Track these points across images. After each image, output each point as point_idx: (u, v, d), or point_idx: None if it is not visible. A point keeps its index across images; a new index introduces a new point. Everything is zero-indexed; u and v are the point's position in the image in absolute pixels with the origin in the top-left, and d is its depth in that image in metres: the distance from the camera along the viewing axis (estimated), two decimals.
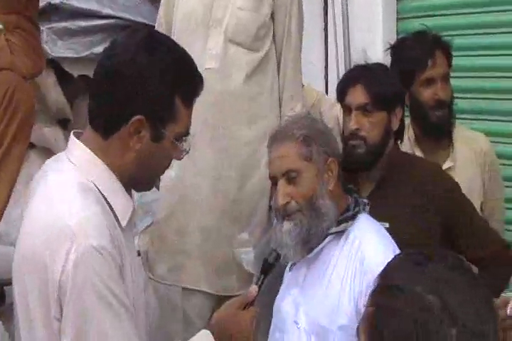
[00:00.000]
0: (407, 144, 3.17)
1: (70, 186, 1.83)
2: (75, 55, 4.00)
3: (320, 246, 2.41)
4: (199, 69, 2.88)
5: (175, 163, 2.92)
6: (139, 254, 3.35)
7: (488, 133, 3.45)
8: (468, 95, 3.94)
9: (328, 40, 4.45)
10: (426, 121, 3.14)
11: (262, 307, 2.18)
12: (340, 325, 2.32)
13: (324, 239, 2.41)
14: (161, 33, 2.17)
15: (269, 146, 2.49)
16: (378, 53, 4.07)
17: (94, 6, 4.03)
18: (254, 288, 2.08)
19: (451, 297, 1.40)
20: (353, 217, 2.44)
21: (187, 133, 1.95)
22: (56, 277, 1.74)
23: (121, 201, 1.89)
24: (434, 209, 2.75)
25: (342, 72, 4.26)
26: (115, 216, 1.86)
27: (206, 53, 3.01)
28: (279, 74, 3.17)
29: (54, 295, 1.75)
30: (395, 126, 2.84)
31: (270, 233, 3.01)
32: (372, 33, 4.28)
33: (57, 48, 3.90)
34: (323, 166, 2.42)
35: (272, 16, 3.11)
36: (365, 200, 2.51)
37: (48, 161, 1.98)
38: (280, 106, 3.18)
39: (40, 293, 1.77)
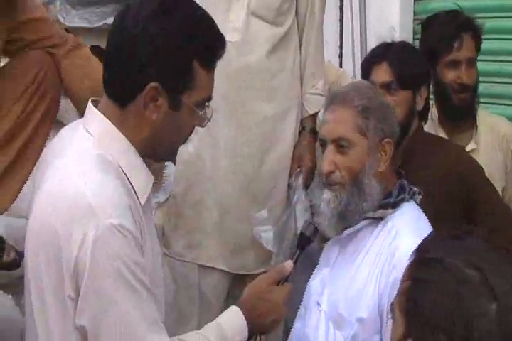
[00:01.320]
0: (431, 124, 3.12)
1: (88, 158, 1.75)
2: (89, 25, 3.95)
3: (354, 228, 2.30)
4: None
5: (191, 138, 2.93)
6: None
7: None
8: (486, 79, 3.88)
9: (344, 18, 4.40)
10: (448, 103, 3.10)
11: (296, 284, 2.11)
12: (359, 317, 2.21)
13: (360, 221, 2.30)
14: None
15: (326, 106, 2.36)
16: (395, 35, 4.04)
17: None
18: (289, 264, 2.00)
19: (490, 271, 1.36)
20: (395, 205, 2.29)
21: (209, 99, 1.86)
22: (72, 255, 1.67)
23: (142, 177, 1.82)
24: (457, 190, 2.71)
25: (357, 51, 4.23)
26: (135, 192, 1.79)
27: (228, 26, 2.94)
28: (300, 51, 3.12)
29: (68, 273, 1.68)
30: (420, 105, 2.80)
31: (290, 210, 2.98)
32: (388, 13, 4.22)
33: (70, 18, 3.85)
34: (377, 144, 2.29)
35: None
36: (416, 189, 2.36)
37: (64, 130, 1.90)
38: (301, 84, 3.12)
39: (54, 270, 1.70)
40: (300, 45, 3.12)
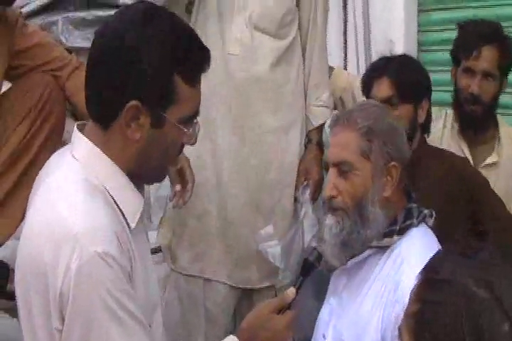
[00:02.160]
0: (450, 134, 3.09)
1: (74, 185, 1.70)
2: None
3: (359, 257, 2.21)
4: (222, 54, 2.90)
5: (192, 150, 2.89)
6: (157, 251, 3.30)
7: None
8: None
9: (348, 31, 4.39)
10: (461, 109, 3.07)
11: (304, 312, 2.05)
12: None
13: (365, 250, 2.20)
14: (159, 6, 1.95)
15: (331, 128, 2.29)
16: (398, 45, 4.02)
17: None
18: (291, 291, 1.90)
19: (502, 290, 1.32)
20: (401, 232, 2.18)
21: (195, 115, 1.78)
22: (57, 285, 1.62)
23: (130, 200, 1.76)
24: (457, 190, 2.69)
25: (361, 63, 4.22)
26: (123, 216, 1.74)
27: (230, 39, 2.94)
28: (304, 63, 3.09)
29: (55, 304, 1.63)
30: (422, 118, 2.79)
31: (297, 225, 2.94)
32: (392, 25, 4.20)
33: (73, 38, 3.83)
34: (381, 168, 2.17)
35: (297, 3, 3.04)
36: (427, 211, 2.23)
37: (52, 157, 1.86)
38: (305, 96, 3.10)
39: (41, 301, 1.65)
40: (303, 57, 3.10)
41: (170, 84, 1.70)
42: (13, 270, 2.74)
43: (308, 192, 3.01)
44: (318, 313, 2.40)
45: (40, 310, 1.66)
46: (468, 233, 2.69)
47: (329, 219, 2.20)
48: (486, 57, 3.01)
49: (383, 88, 2.76)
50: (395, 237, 2.17)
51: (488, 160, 3.08)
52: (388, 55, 2.91)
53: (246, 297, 3.08)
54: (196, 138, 1.82)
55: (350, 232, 2.17)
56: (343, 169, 2.19)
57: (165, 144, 1.76)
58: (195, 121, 1.79)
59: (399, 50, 3.21)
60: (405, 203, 2.24)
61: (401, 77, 2.76)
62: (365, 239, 2.18)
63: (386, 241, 2.17)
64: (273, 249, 2.91)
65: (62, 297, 1.62)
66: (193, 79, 1.75)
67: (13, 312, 2.70)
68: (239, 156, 2.97)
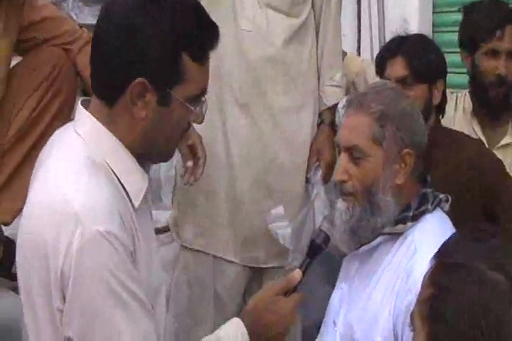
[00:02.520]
0: (463, 115, 3.04)
1: (76, 163, 1.65)
2: None
3: (371, 244, 2.14)
4: (234, 31, 2.86)
5: (203, 128, 2.84)
6: (164, 231, 3.26)
7: None
8: None
9: (362, 11, 4.34)
10: (484, 94, 3.00)
11: (312, 295, 2.00)
12: None
13: (377, 236, 2.13)
14: None
15: (345, 110, 2.20)
16: (413, 26, 3.98)
17: None
18: (297, 272, 1.83)
19: None
20: (415, 218, 2.11)
21: (202, 94, 1.74)
22: (58, 265, 1.58)
23: (135, 179, 1.71)
24: (477, 186, 2.64)
25: (375, 44, 4.17)
26: (127, 195, 1.69)
27: (242, 16, 2.89)
28: (317, 42, 3.04)
29: (56, 284, 1.59)
30: (437, 99, 2.74)
31: (309, 206, 2.91)
32: (407, 6, 4.16)
33: (83, 15, 3.81)
34: (395, 155, 2.09)
35: None
36: (442, 196, 2.16)
37: (55, 133, 1.80)
38: (318, 76, 3.05)
39: (41, 281, 1.62)
40: (317, 37, 3.04)
41: (177, 61, 1.66)
42: None
43: (320, 173, 2.97)
44: (326, 297, 2.36)
45: (40, 290, 1.62)
46: (482, 221, 2.64)
47: (340, 204, 2.15)
48: (510, 38, 2.97)
49: (397, 68, 2.71)
50: (409, 224, 2.11)
51: (503, 142, 3.03)
52: (403, 34, 2.85)
53: (256, 278, 3.05)
54: (203, 117, 1.78)
55: (360, 219, 2.12)
56: (354, 154, 2.12)
57: (171, 123, 1.72)
58: (202, 99, 1.75)
59: (413, 30, 3.13)
60: (420, 189, 2.17)
61: (416, 56, 2.71)
62: (374, 227, 2.12)
63: (399, 227, 2.11)
64: (283, 230, 2.87)
65: (63, 276, 1.58)
66: (202, 57, 1.71)
67: (18, 290, 2.69)
68: (249, 136, 2.93)
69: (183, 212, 3.03)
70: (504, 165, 2.78)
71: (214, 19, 1.77)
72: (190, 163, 2.64)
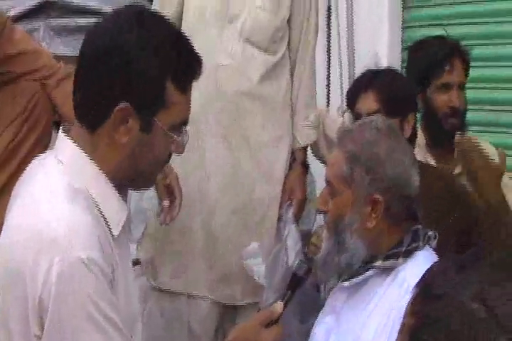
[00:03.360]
0: (418, 151, 3.07)
1: (57, 189, 1.65)
2: (74, 53, 3.86)
3: (360, 278, 2.11)
4: (213, 66, 2.88)
5: (179, 160, 2.83)
6: (135, 264, 3.23)
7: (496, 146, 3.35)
8: (477, 107, 3.86)
9: (331, 48, 4.37)
10: (438, 128, 3.07)
11: (290, 328, 1.97)
12: None
13: (367, 271, 2.11)
14: (151, 10, 1.93)
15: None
16: (383, 62, 4.00)
17: (93, 3, 3.92)
18: (279, 305, 1.83)
19: (498, 303, 1.26)
20: (407, 254, 2.09)
21: (185, 123, 1.74)
22: (36, 292, 1.55)
23: (114, 207, 1.71)
24: (454, 217, 2.64)
25: (345, 81, 4.19)
26: (107, 223, 1.69)
27: (221, 50, 2.92)
28: (292, 80, 3.07)
29: (34, 311, 1.57)
30: (408, 133, 2.75)
31: (281, 244, 2.91)
32: (377, 42, 4.19)
33: (55, 45, 3.78)
34: (363, 199, 2.06)
35: (289, 22, 3.02)
36: (431, 233, 2.15)
37: (34, 161, 1.80)
38: (292, 114, 3.08)
39: (18, 308, 1.59)
40: (292, 75, 3.07)
41: (161, 88, 1.66)
42: None
43: (291, 211, 3.00)
44: (296, 332, 2.35)
45: (17, 317, 1.60)
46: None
47: (324, 233, 2.18)
48: (458, 70, 3.07)
49: (369, 102, 2.73)
50: (400, 260, 2.09)
51: (456, 170, 3.07)
52: (373, 68, 2.87)
53: (229, 314, 3.05)
54: (184, 148, 1.78)
55: (327, 254, 2.14)
56: (330, 189, 2.14)
57: (153, 150, 1.72)
58: (184, 129, 1.75)
59: (384, 64, 3.16)
60: (410, 225, 2.14)
61: (387, 91, 2.73)
62: (336, 265, 2.12)
63: (390, 262, 2.09)
64: (258, 267, 2.88)
65: (42, 303, 1.56)
66: (185, 86, 1.72)
67: None
68: (227, 171, 2.94)
69: (159, 252, 3.01)
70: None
71: None
72: (166, 203, 2.65)
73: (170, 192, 2.64)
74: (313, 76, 3.16)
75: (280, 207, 3.01)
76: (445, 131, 3.04)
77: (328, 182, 2.15)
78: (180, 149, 1.77)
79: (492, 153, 3.14)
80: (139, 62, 1.64)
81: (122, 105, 1.64)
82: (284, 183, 3.03)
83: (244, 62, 2.92)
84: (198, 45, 2.80)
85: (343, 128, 2.27)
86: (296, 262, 2.03)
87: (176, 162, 2.56)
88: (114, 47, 1.64)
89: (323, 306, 2.35)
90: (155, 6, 3.21)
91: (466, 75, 3.11)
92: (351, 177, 2.07)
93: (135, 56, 1.64)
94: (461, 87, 3.08)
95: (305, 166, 3.11)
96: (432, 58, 3.06)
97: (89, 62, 1.68)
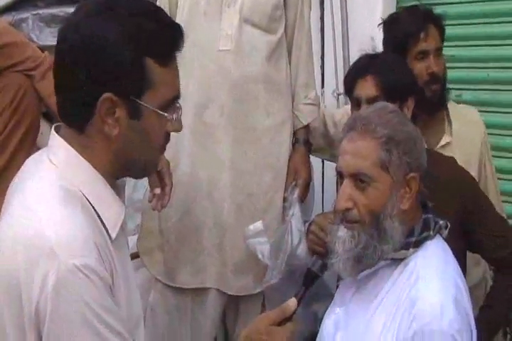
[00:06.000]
0: None
1: (51, 194, 1.59)
2: None
3: (371, 269, 2.09)
4: (213, 51, 2.83)
5: (186, 154, 2.83)
6: (133, 257, 3.21)
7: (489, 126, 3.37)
8: (472, 86, 3.87)
9: (325, 29, 4.32)
10: (421, 96, 2.97)
11: (304, 322, 1.94)
12: None
13: (377, 262, 2.08)
14: None
15: (345, 133, 2.11)
16: (378, 43, 3.96)
17: None
18: (293, 302, 1.79)
19: None
20: (417, 244, 2.07)
21: (176, 98, 1.67)
22: (32, 302, 1.51)
23: (111, 209, 1.66)
24: (452, 209, 2.60)
25: (339, 62, 4.15)
26: (104, 226, 1.63)
27: (220, 34, 2.87)
28: (290, 60, 3.04)
29: (30, 321, 1.53)
30: (408, 117, 2.70)
31: (286, 225, 2.89)
32: (371, 22, 4.13)
33: (43, 36, 3.74)
34: (401, 180, 2.04)
35: (284, 1, 2.98)
36: (442, 222, 2.12)
37: (28, 161, 1.73)
38: (293, 94, 3.04)
39: (14, 319, 1.54)
40: (289, 54, 3.04)
41: (140, 68, 1.59)
42: None
43: (296, 192, 2.97)
44: (313, 323, 2.33)
45: (14, 328, 1.55)
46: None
47: (342, 232, 2.07)
48: (433, 36, 3.05)
49: (368, 88, 2.67)
50: (411, 250, 2.07)
51: (442, 142, 3.07)
52: (371, 52, 2.82)
53: (232, 303, 3.03)
54: (181, 124, 1.71)
55: (366, 247, 2.05)
56: (361, 180, 2.05)
57: (148, 135, 1.65)
58: (177, 105, 1.68)
59: (379, 48, 3.11)
60: (421, 213, 2.13)
61: (386, 76, 2.67)
62: (381, 254, 2.06)
63: (402, 253, 2.07)
64: (262, 246, 2.86)
65: (38, 313, 1.52)
66: (166, 60, 1.64)
67: None
68: (233, 160, 2.91)
69: (174, 252, 2.97)
70: (478, 185, 2.81)
71: (191, 41, 1.72)
72: (158, 190, 2.62)
73: (161, 180, 2.61)
74: (311, 54, 3.12)
75: (285, 189, 2.99)
76: (428, 98, 3.00)
77: (354, 174, 2.06)
78: (177, 127, 1.70)
79: (476, 121, 3.18)
80: (109, 48, 1.57)
81: (104, 96, 1.58)
82: (288, 165, 3.01)
83: (245, 44, 2.89)
84: (197, 35, 2.83)
85: (356, 117, 2.16)
86: (313, 259, 1.96)
87: (183, 158, 2.64)
88: (82, 38, 1.58)
89: (327, 292, 2.33)
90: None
91: (442, 40, 3.10)
92: (389, 160, 2.04)
93: (105, 41, 1.56)
94: (439, 53, 3.06)
95: (308, 145, 3.09)
96: (407, 28, 3.04)
97: (61, 61, 1.62)
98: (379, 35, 3.23)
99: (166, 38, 1.63)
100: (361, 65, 2.77)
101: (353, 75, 2.75)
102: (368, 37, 3.89)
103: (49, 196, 1.59)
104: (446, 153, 2.95)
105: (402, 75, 2.72)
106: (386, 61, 2.75)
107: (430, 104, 3.02)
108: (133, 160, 1.68)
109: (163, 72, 1.62)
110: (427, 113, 3.03)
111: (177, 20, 2.84)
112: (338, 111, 3.47)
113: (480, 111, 3.38)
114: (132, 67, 1.58)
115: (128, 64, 1.58)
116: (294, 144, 3.05)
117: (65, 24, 1.63)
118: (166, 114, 1.64)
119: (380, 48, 3.01)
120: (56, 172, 1.62)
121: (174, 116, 1.67)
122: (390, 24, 3.15)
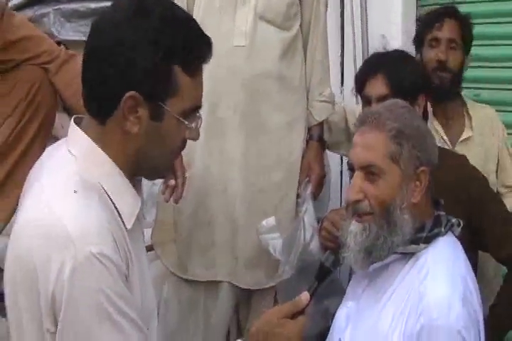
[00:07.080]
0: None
1: (69, 182, 1.62)
2: (83, 38, 3.85)
3: (382, 262, 2.11)
4: (230, 49, 2.86)
5: (199, 150, 2.85)
6: (148, 250, 3.25)
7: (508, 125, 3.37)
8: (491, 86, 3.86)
9: (345, 26, 4.32)
10: (430, 83, 2.99)
11: (316, 317, 1.95)
12: None
13: (390, 255, 2.11)
14: None
15: (356, 128, 2.16)
16: (397, 40, 3.96)
17: None
18: (305, 295, 1.79)
19: None
20: (428, 240, 2.09)
21: (197, 108, 1.71)
22: (48, 289, 1.54)
23: (127, 200, 1.68)
24: (460, 210, 2.60)
25: (359, 60, 4.15)
26: (120, 216, 1.67)
27: (235, 31, 2.89)
28: (305, 57, 3.05)
29: (46, 307, 1.56)
30: (419, 114, 2.71)
31: (298, 221, 2.90)
32: (390, 20, 4.14)
33: (64, 31, 3.78)
34: (411, 173, 2.07)
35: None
36: (454, 220, 2.15)
37: (47, 152, 1.77)
38: (307, 91, 3.06)
39: (31, 305, 1.58)
40: (305, 52, 3.05)
41: (169, 74, 1.63)
42: (1, 269, 2.69)
43: (310, 188, 2.99)
44: (325, 318, 2.34)
45: (30, 314, 1.59)
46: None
47: (354, 226, 2.11)
48: (448, 27, 3.09)
49: (378, 86, 2.67)
50: (422, 245, 2.09)
51: (464, 136, 3.10)
52: (381, 50, 2.83)
53: (244, 296, 3.05)
54: (198, 133, 1.75)
55: (376, 238, 2.07)
56: (371, 172, 2.08)
57: (165, 138, 1.69)
58: (197, 115, 1.72)
59: (396, 46, 3.13)
60: (432, 209, 2.16)
61: (396, 75, 2.67)
62: (391, 246, 2.08)
63: (412, 247, 2.09)
64: (275, 242, 2.87)
65: (55, 300, 1.55)
66: (194, 70, 1.68)
67: (4, 312, 2.65)
68: (245, 156, 2.93)
69: (187, 245, 3.01)
70: (489, 184, 2.80)
71: None
72: (172, 182, 2.65)
73: (174, 173, 2.63)
74: (327, 52, 3.14)
75: (299, 185, 3.01)
76: (435, 85, 3.00)
77: (364, 167, 2.09)
78: (195, 135, 1.74)
79: (493, 116, 3.21)
80: (142, 51, 1.61)
81: (130, 94, 1.61)
82: (302, 161, 3.02)
83: (260, 41, 2.90)
84: (212, 31, 2.83)
85: (367, 112, 2.20)
86: (326, 254, 1.97)
87: (197, 153, 2.68)
88: (116, 38, 1.61)
89: (339, 287, 2.34)
90: None
91: (463, 36, 3.11)
92: (400, 153, 2.07)
93: (137, 46, 1.60)
94: (453, 44, 3.09)
95: (321, 142, 3.10)
96: (425, 20, 3.14)
97: (93, 55, 1.65)
98: (395, 34, 3.25)
99: (196, 49, 1.68)
100: (371, 64, 2.78)
101: (364, 74, 2.76)
102: (387, 34, 3.91)
103: (67, 186, 1.62)
104: (468, 147, 3.00)
105: (413, 73, 2.71)
106: (396, 59, 2.75)
107: (437, 91, 3.02)
108: (148, 159, 1.71)
109: (189, 81, 1.66)
110: (436, 100, 3.06)
111: (193, 17, 2.89)
112: (359, 107, 3.48)
113: (498, 110, 3.39)
114: (161, 72, 1.63)
115: (157, 70, 1.62)
116: (307, 141, 3.06)
117: (101, 19, 1.67)
118: (186, 122, 1.68)
119: (391, 46, 3.01)
120: (75, 164, 1.65)
121: (193, 124, 1.71)
122: (417, 21, 3.26)
